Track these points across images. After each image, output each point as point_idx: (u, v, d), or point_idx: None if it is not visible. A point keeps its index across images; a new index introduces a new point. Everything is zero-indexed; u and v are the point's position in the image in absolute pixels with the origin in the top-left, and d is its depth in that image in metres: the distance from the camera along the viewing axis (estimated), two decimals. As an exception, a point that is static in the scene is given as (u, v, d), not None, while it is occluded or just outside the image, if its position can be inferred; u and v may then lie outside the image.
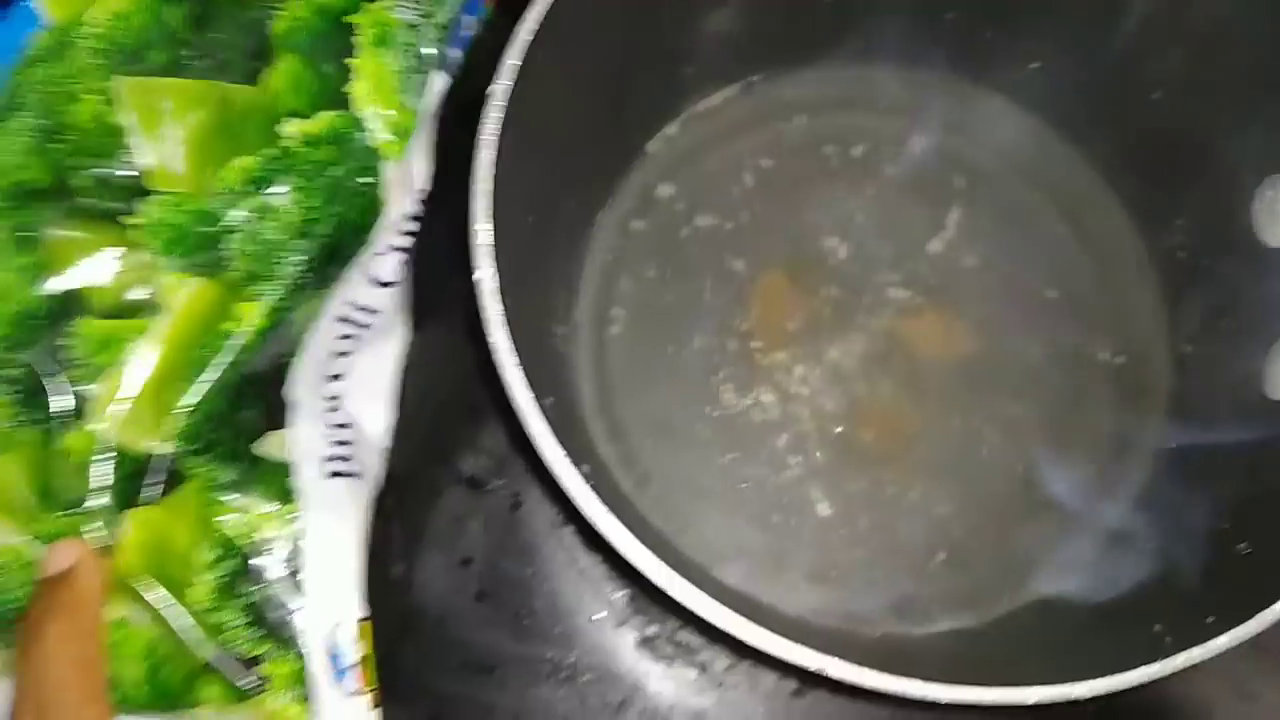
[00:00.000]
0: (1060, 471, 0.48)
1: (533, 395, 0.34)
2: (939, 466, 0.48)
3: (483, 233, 0.36)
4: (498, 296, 0.36)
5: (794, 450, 0.48)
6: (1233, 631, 0.32)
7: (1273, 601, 0.32)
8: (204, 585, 0.40)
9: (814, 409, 0.49)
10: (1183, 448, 0.45)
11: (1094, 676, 0.33)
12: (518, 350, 0.35)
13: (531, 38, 0.38)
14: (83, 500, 0.40)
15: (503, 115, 0.37)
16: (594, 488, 0.33)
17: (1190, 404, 0.46)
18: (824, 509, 0.47)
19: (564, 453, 0.33)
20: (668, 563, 0.32)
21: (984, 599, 0.46)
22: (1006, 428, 0.49)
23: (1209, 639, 0.32)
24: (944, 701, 0.33)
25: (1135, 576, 0.39)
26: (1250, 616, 0.32)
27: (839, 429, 0.48)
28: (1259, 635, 0.33)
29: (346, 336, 0.47)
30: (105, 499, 0.40)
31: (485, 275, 0.36)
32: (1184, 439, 0.46)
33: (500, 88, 0.37)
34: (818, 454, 0.48)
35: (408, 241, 0.47)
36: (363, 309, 0.47)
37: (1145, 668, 0.33)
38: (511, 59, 0.38)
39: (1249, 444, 0.41)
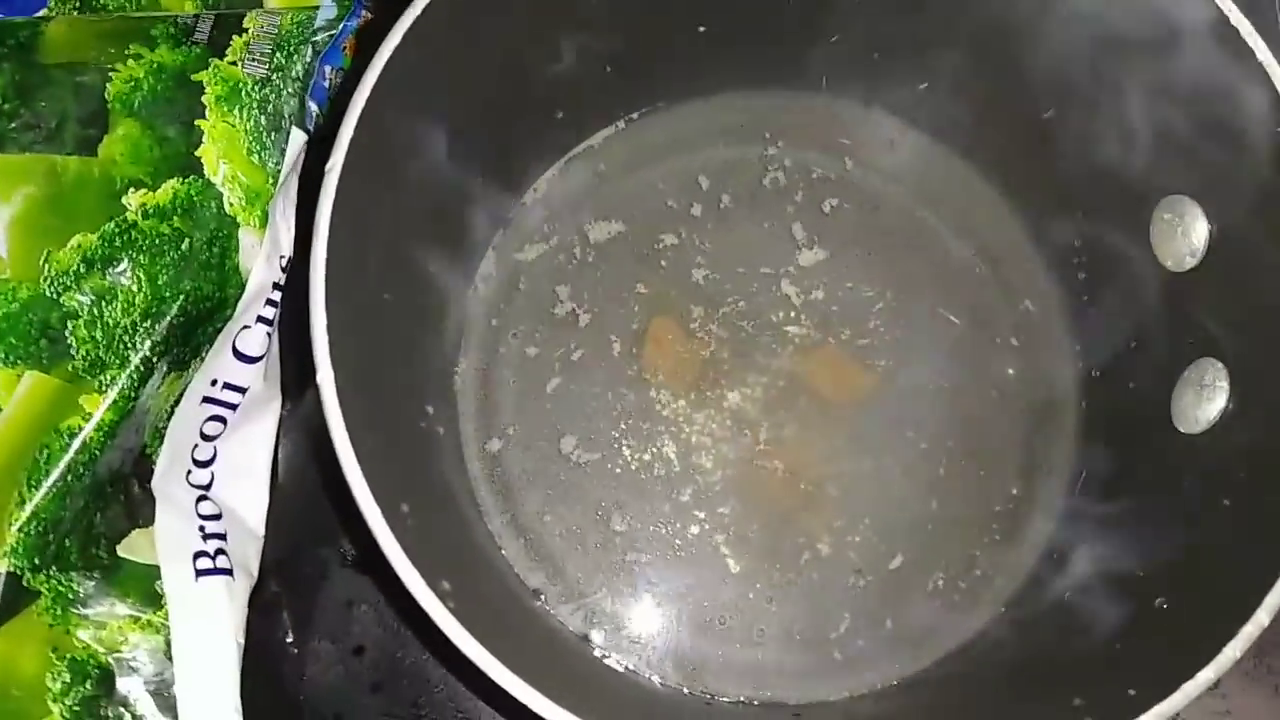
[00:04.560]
0: (974, 506, 0.46)
1: (384, 513, 0.30)
2: (850, 511, 0.46)
3: (320, 331, 0.32)
4: (338, 403, 0.31)
5: (699, 505, 0.46)
6: (1156, 709, 0.30)
7: (1194, 671, 0.30)
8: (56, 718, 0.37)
9: (718, 458, 0.47)
10: (1097, 479, 0.44)
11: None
12: (374, 449, 0.31)
13: (370, 93, 0.34)
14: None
15: (339, 192, 0.33)
16: (454, 611, 0.30)
17: (1100, 433, 0.45)
18: (734, 565, 0.45)
19: (422, 580, 0.30)
20: (543, 680, 0.30)
21: (901, 655, 0.44)
22: (917, 463, 0.47)
23: (1131, 716, 0.30)
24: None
25: (1054, 625, 0.38)
26: (1173, 689, 0.30)
27: (744, 478, 0.46)
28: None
29: (213, 418, 0.43)
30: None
31: (325, 378, 0.32)
32: (1096, 468, 0.44)
33: (335, 162, 0.33)
34: (722, 509, 0.46)
35: (272, 312, 0.44)
36: (229, 387, 0.44)
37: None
38: (348, 125, 0.34)
39: (1161, 478, 0.40)
